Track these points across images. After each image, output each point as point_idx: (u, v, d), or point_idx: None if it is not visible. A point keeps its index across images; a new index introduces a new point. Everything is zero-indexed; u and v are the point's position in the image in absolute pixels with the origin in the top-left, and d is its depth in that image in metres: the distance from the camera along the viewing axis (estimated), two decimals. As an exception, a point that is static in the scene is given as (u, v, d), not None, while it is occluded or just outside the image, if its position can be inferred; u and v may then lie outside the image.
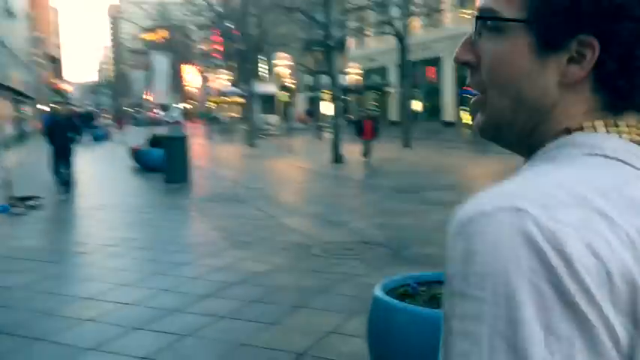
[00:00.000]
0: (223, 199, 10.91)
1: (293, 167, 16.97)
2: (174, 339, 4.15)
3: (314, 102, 48.42)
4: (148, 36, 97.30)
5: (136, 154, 15.64)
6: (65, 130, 11.28)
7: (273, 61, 32.32)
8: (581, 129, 0.62)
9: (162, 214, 9.62)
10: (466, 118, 33.30)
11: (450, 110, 34.15)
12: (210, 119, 44.72)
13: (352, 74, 31.37)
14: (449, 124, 33.36)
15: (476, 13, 0.67)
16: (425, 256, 6.40)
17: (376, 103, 42.72)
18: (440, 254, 7.09)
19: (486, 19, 0.65)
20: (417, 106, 39.57)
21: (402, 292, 3.17)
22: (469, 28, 0.68)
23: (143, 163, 15.35)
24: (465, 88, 33.31)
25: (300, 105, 49.30)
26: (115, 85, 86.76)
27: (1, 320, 4.60)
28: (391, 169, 15.34)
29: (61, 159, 11.18)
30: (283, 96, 27.89)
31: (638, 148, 0.60)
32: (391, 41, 36.75)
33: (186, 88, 64.35)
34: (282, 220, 8.71)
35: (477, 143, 22.06)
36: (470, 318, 0.50)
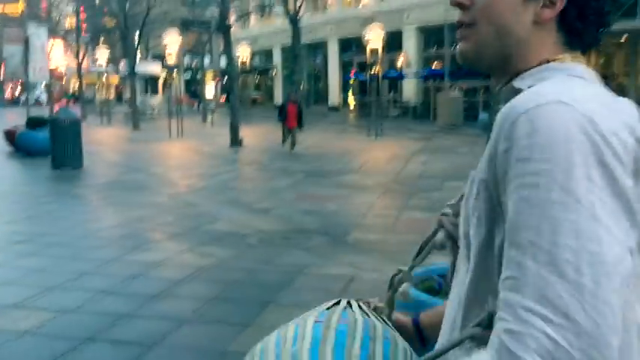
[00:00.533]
0: (125, 185, 10.09)
1: (189, 151, 16.21)
2: (139, 351, 3.62)
3: (193, 83, 46.99)
4: (8, 8, 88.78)
5: (15, 138, 14.05)
6: None
7: (157, 40, 30.79)
8: (554, 60, 0.85)
9: (66, 204, 8.67)
10: (352, 102, 33.97)
11: (336, 95, 34.54)
12: (77, 100, 41.81)
13: (241, 55, 30.63)
14: (334, 109, 33.78)
15: None
16: (368, 242, 6.25)
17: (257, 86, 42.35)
18: (382, 240, 7.05)
19: None
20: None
21: (428, 286, 2.96)
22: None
23: (23, 147, 13.83)
24: (351, 73, 33.91)
25: (180, 86, 47.56)
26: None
27: None
28: (293, 153, 15.11)
29: None
30: (169, 76, 26.65)
31: (593, 72, 0.85)
32: (277, 23, 36.51)
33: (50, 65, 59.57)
34: (200, 207, 8.19)
35: (361, 127, 22.54)
36: (532, 174, 0.70)
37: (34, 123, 14.01)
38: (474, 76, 23.56)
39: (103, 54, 25.87)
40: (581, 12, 0.84)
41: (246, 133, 17.36)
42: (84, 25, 40.27)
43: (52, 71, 60.23)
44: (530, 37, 0.86)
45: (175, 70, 23.30)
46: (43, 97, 45.27)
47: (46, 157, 13.29)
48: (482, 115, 16.05)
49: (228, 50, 17.61)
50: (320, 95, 36.55)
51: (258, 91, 41.61)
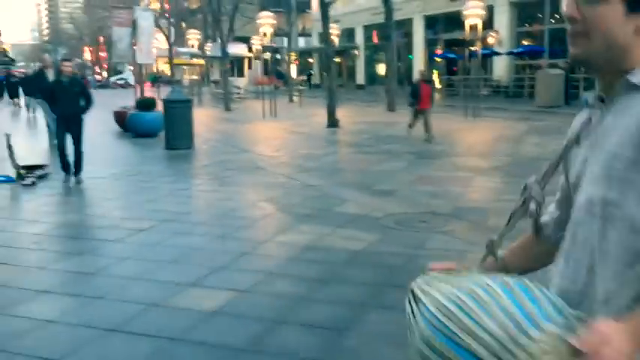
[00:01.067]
0: (240, 166, 10.25)
1: (287, 131, 16.31)
2: (331, 335, 3.62)
3: (276, 64, 47.42)
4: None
5: (126, 119, 14.58)
6: (73, 96, 8.53)
7: (240, 22, 31.10)
8: None
9: (192, 184, 8.91)
10: (436, 80, 33.19)
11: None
12: (159, 82, 43.02)
13: (333, 35, 30.51)
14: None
15: None
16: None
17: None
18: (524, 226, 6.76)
19: None
20: (381, 69, 39.21)
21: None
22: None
23: (133, 128, 14.34)
24: (436, 51, 33.13)
25: (259, 67, 48.11)
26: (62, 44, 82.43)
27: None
28: (392, 134, 14.91)
29: (68, 133, 8.53)
30: (258, 58, 27.06)
31: None
32: (361, 1, 36.05)
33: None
34: (322, 189, 8.18)
35: (452, 107, 22.02)
36: None
37: (143, 104, 14.47)
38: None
39: (193, 36, 26.37)
40: None
41: (338, 114, 17.28)
42: (167, 8, 41.35)
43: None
44: (632, 44, 1.10)
45: (267, 52, 23.44)
46: (130, 80, 46.94)
47: (154, 138, 13.76)
48: (586, 95, 15.12)
49: (325, 29, 17.49)
50: (401, 74, 35.95)
51: (340, 72, 41.38)
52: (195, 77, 34.56)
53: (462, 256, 5.06)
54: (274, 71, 38.87)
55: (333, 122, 16.58)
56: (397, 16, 32.68)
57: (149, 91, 35.17)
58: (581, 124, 1.24)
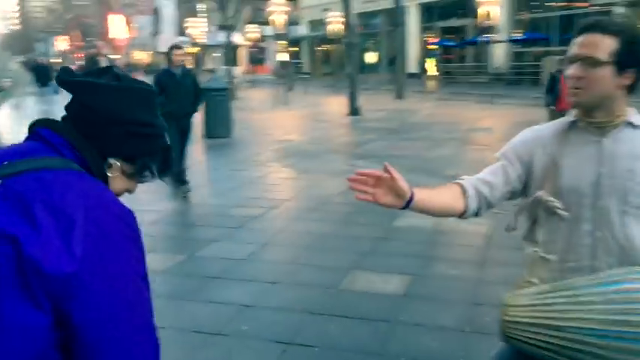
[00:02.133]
0: (295, 153, 10.24)
1: (312, 120, 16.26)
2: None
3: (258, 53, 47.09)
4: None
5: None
6: (186, 92, 6.98)
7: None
8: (628, 108, 1.69)
9: (266, 172, 8.85)
10: (431, 67, 33.42)
11: (414, 61, 33.98)
12: (146, 71, 42.35)
13: (334, 23, 30.37)
14: (413, 75, 33.23)
15: (585, 54, 1.63)
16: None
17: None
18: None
19: (592, 60, 1.61)
20: (371, 57, 39.27)
21: None
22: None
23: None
24: (430, 39, 33.31)
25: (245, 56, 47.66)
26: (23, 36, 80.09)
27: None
28: (418, 121, 15.03)
29: (178, 138, 6.87)
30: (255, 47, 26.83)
31: None
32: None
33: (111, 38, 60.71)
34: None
35: (456, 94, 22.29)
36: None
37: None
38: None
39: (193, 23, 25.92)
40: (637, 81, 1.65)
41: (341, 102, 17.26)
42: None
43: (113, 42, 61.29)
44: (617, 95, 1.65)
45: (281, 40, 23.23)
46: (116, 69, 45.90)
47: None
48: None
49: (347, 17, 17.43)
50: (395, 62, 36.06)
51: (329, 60, 41.29)
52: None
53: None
54: (278, 60, 38.92)
55: (355, 110, 16.62)
56: (388, 4, 32.82)
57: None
58: (548, 141, 1.76)
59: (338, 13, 24.77)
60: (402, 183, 1.67)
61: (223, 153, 10.96)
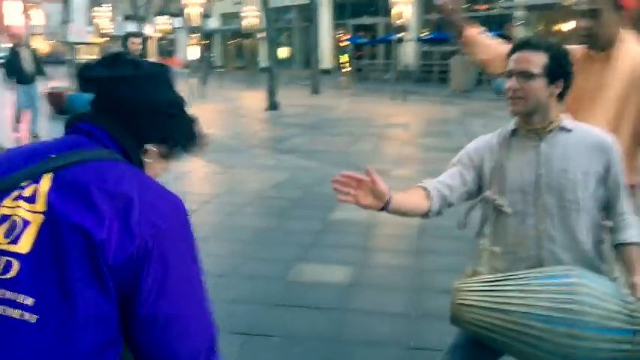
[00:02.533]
0: (219, 148, 10.18)
1: (232, 114, 16.16)
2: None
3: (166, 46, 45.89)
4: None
5: (65, 100, 13.70)
6: None
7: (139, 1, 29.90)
8: (561, 114, 1.98)
9: (198, 166, 8.74)
10: (345, 62, 33.96)
11: (327, 57, 34.43)
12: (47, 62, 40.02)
13: (249, 17, 30.02)
14: (326, 72, 33.69)
15: (521, 69, 1.89)
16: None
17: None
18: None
19: (527, 73, 1.88)
20: (283, 52, 39.37)
21: None
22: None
23: (75, 109, 13.52)
24: (342, 36, 33.85)
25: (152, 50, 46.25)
26: None
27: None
28: (338, 117, 15.33)
29: None
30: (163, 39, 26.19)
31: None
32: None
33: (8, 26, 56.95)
34: (322, 171, 8.43)
35: (369, 90, 22.91)
36: (621, 174, 1.95)
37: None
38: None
39: (100, 13, 24.85)
40: (565, 89, 1.94)
41: (258, 96, 17.27)
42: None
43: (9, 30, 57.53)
44: (549, 103, 1.93)
45: (195, 32, 22.76)
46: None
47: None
48: (499, 81, 16.52)
49: (265, 11, 17.41)
50: (308, 57, 36.39)
51: (242, 55, 40.96)
52: (92, 57, 32.64)
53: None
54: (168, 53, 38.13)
55: (273, 105, 16.68)
56: (301, 0, 33.05)
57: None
58: (494, 147, 2.04)
59: (253, 7, 24.62)
60: (383, 186, 1.84)
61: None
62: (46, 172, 1.14)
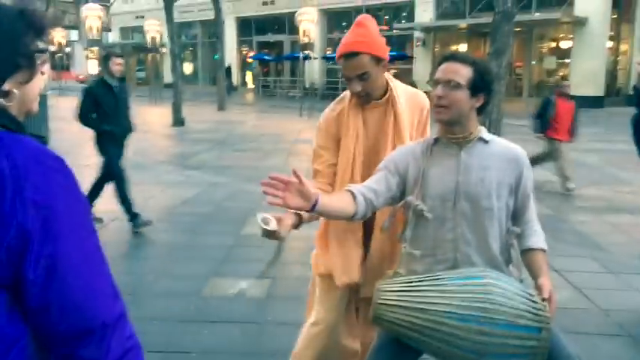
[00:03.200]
0: (125, 165, 9.87)
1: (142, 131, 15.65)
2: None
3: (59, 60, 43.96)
4: None
5: None
6: (126, 107, 6.26)
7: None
8: (480, 126, 2.14)
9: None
10: (250, 82, 34.02)
11: (234, 74, 34.33)
12: None
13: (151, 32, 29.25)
14: (233, 88, 33.61)
15: (447, 78, 2.01)
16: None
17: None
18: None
19: (453, 82, 2.01)
20: (188, 68, 38.84)
21: None
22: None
23: None
24: (248, 53, 33.92)
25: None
26: None
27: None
28: (246, 132, 15.32)
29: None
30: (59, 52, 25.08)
31: None
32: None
33: None
34: (233, 186, 8.43)
35: (276, 106, 23.10)
36: (530, 178, 2.18)
37: None
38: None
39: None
40: (486, 104, 2.09)
41: (161, 112, 17.03)
42: None
43: None
44: (470, 114, 2.06)
45: (94, 47, 21.92)
46: None
47: None
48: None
49: (170, 26, 17.13)
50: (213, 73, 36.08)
51: (144, 69, 39.88)
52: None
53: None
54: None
55: (179, 121, 16.41)
56: (206, 15, 32.85)
57: None
58: (418, 154, 2.14)
59: (156, 22, 24.14)
60: (310, 187, 1.90)
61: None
62: None
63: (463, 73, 2.01)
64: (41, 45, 1.14)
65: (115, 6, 35.09)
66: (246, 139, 13.84)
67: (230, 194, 7.63)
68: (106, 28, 43.31)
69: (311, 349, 2.57)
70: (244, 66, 34.64)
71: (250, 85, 33.86)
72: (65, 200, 1.06)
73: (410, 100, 2.39)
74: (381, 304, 1.93)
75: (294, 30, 26.95)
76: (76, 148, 11.99)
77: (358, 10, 25.83)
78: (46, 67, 1.19)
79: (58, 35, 33.88)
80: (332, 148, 2.40)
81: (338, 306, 2.51)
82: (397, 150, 2.23)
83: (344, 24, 29.15)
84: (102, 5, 30.62)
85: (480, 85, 2.03)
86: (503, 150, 2.10)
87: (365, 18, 2.28)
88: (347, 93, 2.41)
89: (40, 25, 1.13)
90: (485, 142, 2.10)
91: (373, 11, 26.13)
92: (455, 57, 2.06)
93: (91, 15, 19.61)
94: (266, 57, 32.25)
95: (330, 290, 2.50)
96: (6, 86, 1.09)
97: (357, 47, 2.19)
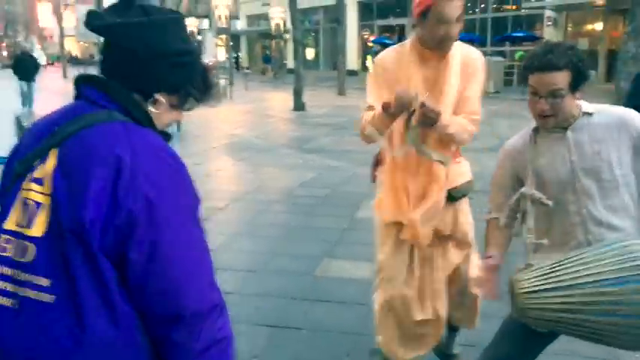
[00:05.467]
0: (247, 148, 10.33)
1: (259, 115, 16.31)
2: None
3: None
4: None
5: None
6: None
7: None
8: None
9: (237, 167, 8.91)
10: (370, 65, 33.95)
11: (354, 59, 34.48)
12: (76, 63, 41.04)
13: (276, 18, 30.31)
14: (352, 73, 33.75)
15: (547, 90, 1.93)
16: None
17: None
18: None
19: (557, 94, 1.93)
20: (310, 53, 39.53)
21: None
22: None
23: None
24: (369, 37, 33.94)
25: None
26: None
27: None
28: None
29: None
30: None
31: None
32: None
33: (40, 27, 58.29)
34: (353, 170, 8.49)
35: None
36: None
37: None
38: (514, 41, 23.98)
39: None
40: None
41: (284, 97, 17.29)
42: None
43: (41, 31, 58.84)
44: (573, 104, 2.00)
45: (222, 34, 23.01)
46: (42, 60, 44.37)
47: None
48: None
49: (294, 12, 17.53)
50: (334, 58, 36.46)
51: (269, 57, 41.08)
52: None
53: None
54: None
55: (300, 105, 16.81)
56: (328, 1, 33.16)
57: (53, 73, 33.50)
58: (525, 151, 2.10)
59: (280, 9, 24.78)
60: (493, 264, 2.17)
61: (173, 147, 10.86)
62: (51, 148, 1.14)
63: (560, 80, 1.92)
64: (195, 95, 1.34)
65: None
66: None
67: (346, 178, 7.73)
68: (234, 16, 45.32)
69: (385, 319, 2.82)
70: (365, 50, 34.59)
71: (371, 69, 33.76)
72: (173, 195, 1.16)
73: (463, 59, 2.54)
74: (523, 293, 1.83)
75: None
76: (207, 127, 12.70)
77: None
78: (183, 114, 1.38)
79: (190, 24, 35.94)
80: (387, 92, 2.51)
81: (398, 252, 2.74)
82: (500, 153, 2.23)
83: (469, 4, 28.20)
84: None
85: (580, 79, 1.96)
86: (609, 117, 2.01)
87: None
88: (407, 41, 2.60)
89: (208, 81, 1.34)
90: (590, 114, 2.03)
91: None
92: (546, 66, 1.93)
93: (220, 4, 20.51)
94: (386, 41, 31.96)
95: (389, 235, 2.77)
96: (157, 96, 1.26)
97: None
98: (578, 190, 1.99)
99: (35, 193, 1.12)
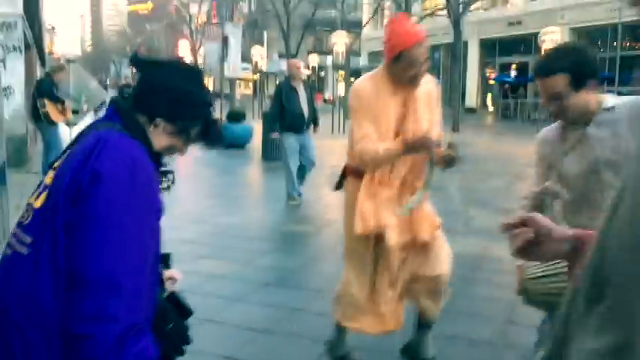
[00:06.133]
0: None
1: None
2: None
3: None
4: (137, 7, 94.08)
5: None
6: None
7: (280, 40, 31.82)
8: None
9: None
10: (490, 104, 33.28)
11: (474, 96, 33.96)
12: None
13: None
14: (471, 110, 33.20)
15: (548, 94, 2.10)
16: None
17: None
18: None
19: (555, 96, 2.10)
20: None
21: None
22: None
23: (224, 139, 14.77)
24: (493, 74, 33.32)
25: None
26: (96, 58, 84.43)
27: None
28: (473, 153, 15.06)
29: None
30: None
31: None
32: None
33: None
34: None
35: (500, 127, 22.11)
36: None
37: (233, 116, 14.92)
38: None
39: (258, 51, 26.92)
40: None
41: None
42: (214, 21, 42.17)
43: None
44: (586, 102, 2.07)
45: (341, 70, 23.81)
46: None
47: (242, 149, 14.14)
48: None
49: (457, 42, 17.67)
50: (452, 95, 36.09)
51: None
52: (247, 92, 35.20)
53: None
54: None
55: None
56: (449, 38, 33.10)
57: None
58: (554, 142, 2.25)
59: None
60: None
61: (280, 175, 11.36)
62: (70, 146, 1.51)
63: (557, 83, 2.03)
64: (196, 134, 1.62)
65: (365, 32, 37.38)
66: (471, 160, 13.63)
67: (446, 213, 7.70)
68: (355, 53, 46.47)
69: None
70: (485, 87, 34.00)
71: (490, 107, 33.06)
72: (117, 188, 1.35)
73: (425, 89, 2.93)
74: (530, 279, 2.01)
75: (539, 50, 25.77)
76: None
77: (614, 27, 23.61)
78: (186, 150, 1.66)
79: (313, 60, 37.50)
80: (371, 120, 2.86)
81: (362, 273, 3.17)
82: (536, 146, 2.42)
83: (598, 42, 26.92)
84: (352, 32, 33.22)
85: (583, 77, 2.03)
86: (630, 110, 2.07)
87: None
88: (378, 71, 2.92)
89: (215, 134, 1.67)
90: (609, 109, 2.10)
91: (631, 28, 23.66)
92: (543, 71, 2.06)
93: (339, 42, 21.27)
94: (507, 79, 31.25)
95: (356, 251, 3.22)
96: (157, 120, 1.54)
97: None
98: (604, 182, 2.08)
99: (49, 177, 1.46)
